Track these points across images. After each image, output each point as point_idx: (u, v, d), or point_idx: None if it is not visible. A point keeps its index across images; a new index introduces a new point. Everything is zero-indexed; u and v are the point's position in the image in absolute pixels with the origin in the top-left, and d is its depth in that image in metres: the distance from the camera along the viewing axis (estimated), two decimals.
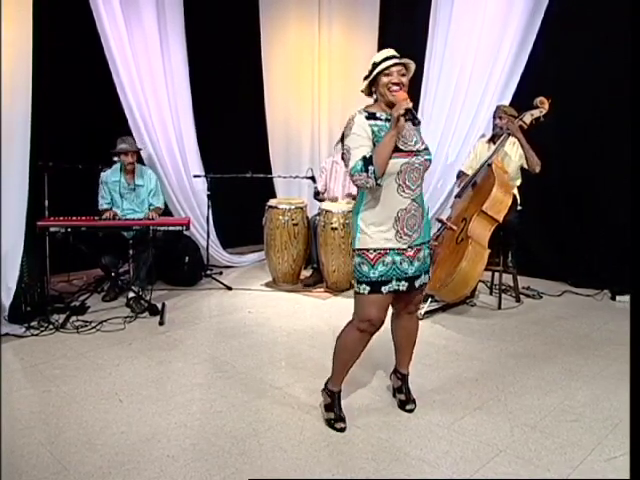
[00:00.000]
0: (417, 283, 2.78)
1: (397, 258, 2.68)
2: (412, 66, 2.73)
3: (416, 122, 2.68)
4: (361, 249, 2.70)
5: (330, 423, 2.83)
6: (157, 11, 5.42)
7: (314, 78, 6.70)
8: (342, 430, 2.79)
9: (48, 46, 4.47)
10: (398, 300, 2.90)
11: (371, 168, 2.52)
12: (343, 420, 2.84)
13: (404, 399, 3.03)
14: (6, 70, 3.77)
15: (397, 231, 2.65)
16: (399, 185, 2.62)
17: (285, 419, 2.90)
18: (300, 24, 6.59)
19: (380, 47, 6.45)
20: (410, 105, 2.58)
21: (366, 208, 2.70)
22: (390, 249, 2.66)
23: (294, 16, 6.56)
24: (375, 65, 2.69)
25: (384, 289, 2.69)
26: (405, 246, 2.68)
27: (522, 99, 4.97)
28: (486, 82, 5.39)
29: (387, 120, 2.65)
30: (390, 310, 2.92)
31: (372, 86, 2.73)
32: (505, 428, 2.83)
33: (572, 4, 5.05)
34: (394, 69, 2.65)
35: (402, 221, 2.64)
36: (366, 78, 2.73)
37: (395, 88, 2.63)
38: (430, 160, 2.72)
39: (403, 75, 2.66)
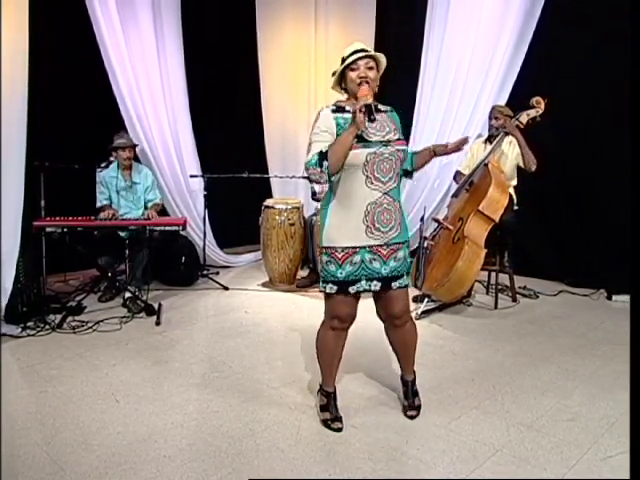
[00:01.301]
0: (395, 284, 2.67)
1: (367, 256, 2.60)
2: (382, 59, 2.66)
3: (371, 118, 2.50)
4: (328, 247, 2.63)
5: (327, 423, 2.82)
6: (153, 11, 5.41)
7: (310, 78, 6.70)
8: (339, 430, 2.78)
9: (44, 47, 4.46)
10: (379, 309, 2.84)
11: (325, 163, 2.48)
12: (339, 420, 2.83)
13: (406, 404, 3.00)
14: (2, 71, 3.76)
15: (367, 226, 2.57)
16: (367, 177, 2.55)
17: (282, 419, 2.90)
18: (296, 24, 6.59)
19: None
20: (369, 101, 2.50)
21: (335, 202, 2.63)
22: (360, 247, 2.59)
23: (290, 16, 6.56)
24: (343, 60, 2.65)
25: (351, 289, 2.63)
26: (378, 243, 2.59)
27: (518, 99, 4.98)
28: (483, 82, 5.39)
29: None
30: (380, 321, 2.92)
31: (342, 82, 2.69)
32: (502, 427, 2.83)
33: (569, 3, 5.06)
34: (361, 62, 2.59)
35: (372, 215, 2.56)
36: (334, 74, 2.69)
37: (359, 82, 2.57)
38: (403, 151, 2.62)
39: (370, 69, 2.60)
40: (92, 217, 4.51)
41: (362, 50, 2.66)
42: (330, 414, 2.85)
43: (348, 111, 2.60)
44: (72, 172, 4.44)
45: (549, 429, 2.82)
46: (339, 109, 2.63)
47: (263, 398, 3.13)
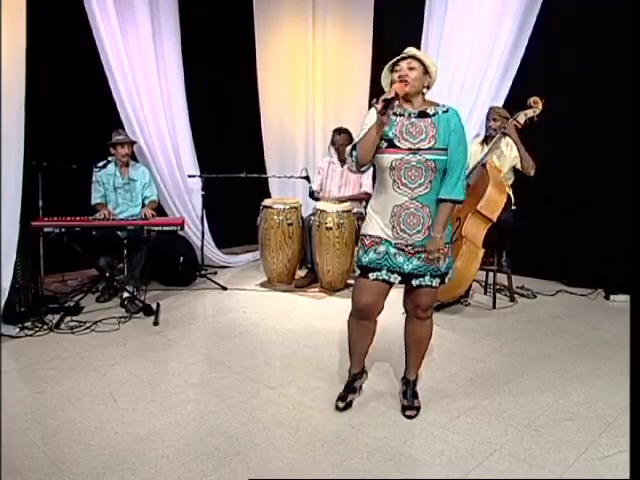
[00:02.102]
0: (415, 282, 2.74)
1: (392, 250, 2.70)
2: (428, 60, 2.66)
3: (382, 112, 2.53)
4: (362, 234, 2.81)
5: (337, 399, 3.01)
6: (151, 10, 5.40)
7: (308, 77, 6.70)
8: (337, 408, 2.95)
9: (42, 46, 4.45)
10: (406, 300, 2.94)
11: (354, 153, 2.63)
12: (343, 400, 2.99)
13: (406, 404, 3.00)
14: (1, 70, 3.76)
15: (393, 226, 2.67)
16: (394, 181, 2.63)
17: (280, 419, 2.90)
18: (294, 24, 6.59)
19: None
20: (389, 96, 2.53)
21: (374, 196, 2.81)
22: (386, 239, 2.70)
23: (288, 15, 6.56)
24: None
25: (371, 275, 2.72)
26: (402, 243, 2.69)
27: (516, 99, 4.98)
28: (480, 82, 5.39)
29: (399, 115, 2.67)
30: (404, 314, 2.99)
31: (391, 84, 2.72)
32: (500, 427, 2.83)
33: (566, 4, 5.07)
34: (403, 63, 2.64)
35: (398, 217, 2.65)
36: (384, 78, 2.77)
37: (398, 81, 2.62)
38: (434, 161, 2.60)
39: (412, 69, 2.62)
40: (90, 217, 4.50)
41: (407, 53, 2.73)
42: (341, 392, 3.03)
43: (394, 112, 2.65)
44: (70, 172, 4.43)
45: (547, 429, 2.82)
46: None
47: (261, 398, 3.13)
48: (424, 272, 2.73)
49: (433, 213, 2.68)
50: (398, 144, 2.62)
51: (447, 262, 2.78)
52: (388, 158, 2.61)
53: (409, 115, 2.67)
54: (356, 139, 2.70)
